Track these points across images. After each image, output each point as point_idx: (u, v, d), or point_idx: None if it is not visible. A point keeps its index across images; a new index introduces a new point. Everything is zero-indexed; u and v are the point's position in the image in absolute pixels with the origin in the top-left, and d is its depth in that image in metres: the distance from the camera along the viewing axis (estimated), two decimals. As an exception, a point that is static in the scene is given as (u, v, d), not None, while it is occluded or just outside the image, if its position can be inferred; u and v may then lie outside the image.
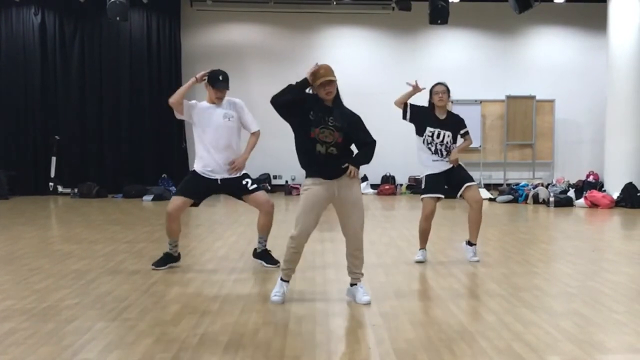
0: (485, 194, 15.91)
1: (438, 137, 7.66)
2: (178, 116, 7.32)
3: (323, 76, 5.68)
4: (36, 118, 16.76)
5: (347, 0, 16.92)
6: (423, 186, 7.86)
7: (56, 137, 16.69)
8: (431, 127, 7.68)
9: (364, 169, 7.04)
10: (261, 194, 7.33)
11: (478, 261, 7.78)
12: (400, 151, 17.27)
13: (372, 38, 17.92)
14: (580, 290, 6.42)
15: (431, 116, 7.75)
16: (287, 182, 17.38)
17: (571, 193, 14.72)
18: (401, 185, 17.47)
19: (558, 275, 7.33)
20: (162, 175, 16.84)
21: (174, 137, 17.28)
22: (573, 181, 16.04)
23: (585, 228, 11.77)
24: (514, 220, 12.27)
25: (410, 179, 17.55)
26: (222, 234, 10.03)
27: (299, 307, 5.76)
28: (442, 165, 7.70)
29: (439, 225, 11.81)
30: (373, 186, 17.21)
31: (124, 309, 5.67)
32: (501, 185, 16.81)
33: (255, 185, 7.34)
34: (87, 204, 14.63)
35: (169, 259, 7.40)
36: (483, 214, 7.91)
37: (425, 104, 7.91)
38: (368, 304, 5.79)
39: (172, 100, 7.16)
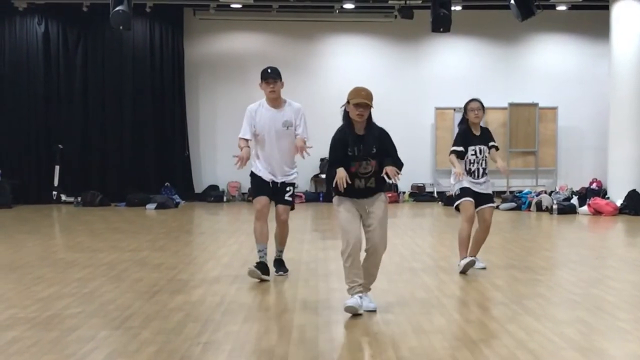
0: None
1: (480, 153, 7.68)
2: None
3: (363, 98, 5.76)
4: (39, 127, 16.78)
5: (350, 8, 16.93)
6: (457, 194, 7.72)
7: (59, 145, 16.69)
8: (472, 145, 7.68)
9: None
10: (282, 207, 7.30)
11: (484, 268, 7.73)
12: (403, 159, 17.22)
13: (374, 46, 17.93)
14: (584, 298, 6.41)
15: (470, 135, 7.74)
16: (290, 190, 17.35)
17: (574, 200, 14.69)
18: (404, 193, 17.45)
19: (561, 282, 7.32)
20: (165, 184, 16.82)
21: (177, 145, 17.28)
22: (576, 188, 16.00)
23: (588, 235, 11.76)
24: (517, 227, 12.26)
25: (412, 186, 17.54)
26: (224, 242, 10.03)
27: (301, 315, 5.76)
28: (474, 186, 7.64)
29: (442, 233, 11.82)
30: (376, 194, 17.19)
31: (127, 317, 5.67)
32: (504, 192, 16.79)
33: (290, 199, 7.33)
34: (90, 213, 14.64)
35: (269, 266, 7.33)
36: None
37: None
38: (374, 311, 5.78)
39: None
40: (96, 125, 17.00)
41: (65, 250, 9.52)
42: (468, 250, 7.71)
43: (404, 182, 17.33)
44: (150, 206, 15.55)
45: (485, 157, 7.73)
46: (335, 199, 5.94)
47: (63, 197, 16.63)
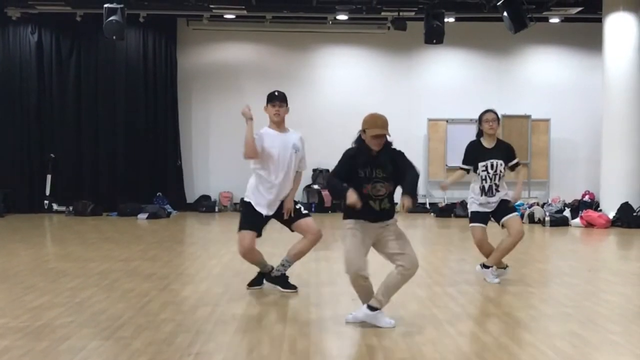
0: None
1: (492, 168, 7.58)
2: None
3: (380, 128, 5.68)
4: (32, 136, 16.72)
5: (343, 19, 16.97)
6: (469, 217, 7.92)
7: (52, 155, 16.66)
8: (482, 160, 7.60)
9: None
10: (312, 220, 7.22)
11: (499, 282, 7.68)
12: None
13: (367, 57, 17.95)
14: (577, 311, 6.40)
15: (479, 148, 7.67)
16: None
17: (567, 212, 14.71)
18: (396, 204, 17.41)
19: (554, 295, 7.32)
20: (157, 194, 16.77)
21: (170, 155, 17.26)
22: (569, 201, 16.03)
23: (581, 248, 11.77)
24: (509, 239, 12.23)
25: (405, 198, 17.51)
26: (216, 253, 9.99)
27: (293, 327, 5.74)
28: (487, 208, 7.68)
29: (434, 245, 11.81)
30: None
31: (118, 327, 5.64)
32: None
33: (306, 211, 7.29)
34: (82, 222, 14.59)
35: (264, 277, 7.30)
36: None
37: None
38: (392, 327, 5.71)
39: (250, 154, 6.88)
40: (88, 134, 16.94)
41: (57, 259, 9.48)
42: (494, 259, 7.76)
43: (396, 193, 17.31)
44: (142, 216, 15.50)
45: (501, 172, 7.59)
46: (346, 221, 5.82)
47: (55, 207, 16.55)
